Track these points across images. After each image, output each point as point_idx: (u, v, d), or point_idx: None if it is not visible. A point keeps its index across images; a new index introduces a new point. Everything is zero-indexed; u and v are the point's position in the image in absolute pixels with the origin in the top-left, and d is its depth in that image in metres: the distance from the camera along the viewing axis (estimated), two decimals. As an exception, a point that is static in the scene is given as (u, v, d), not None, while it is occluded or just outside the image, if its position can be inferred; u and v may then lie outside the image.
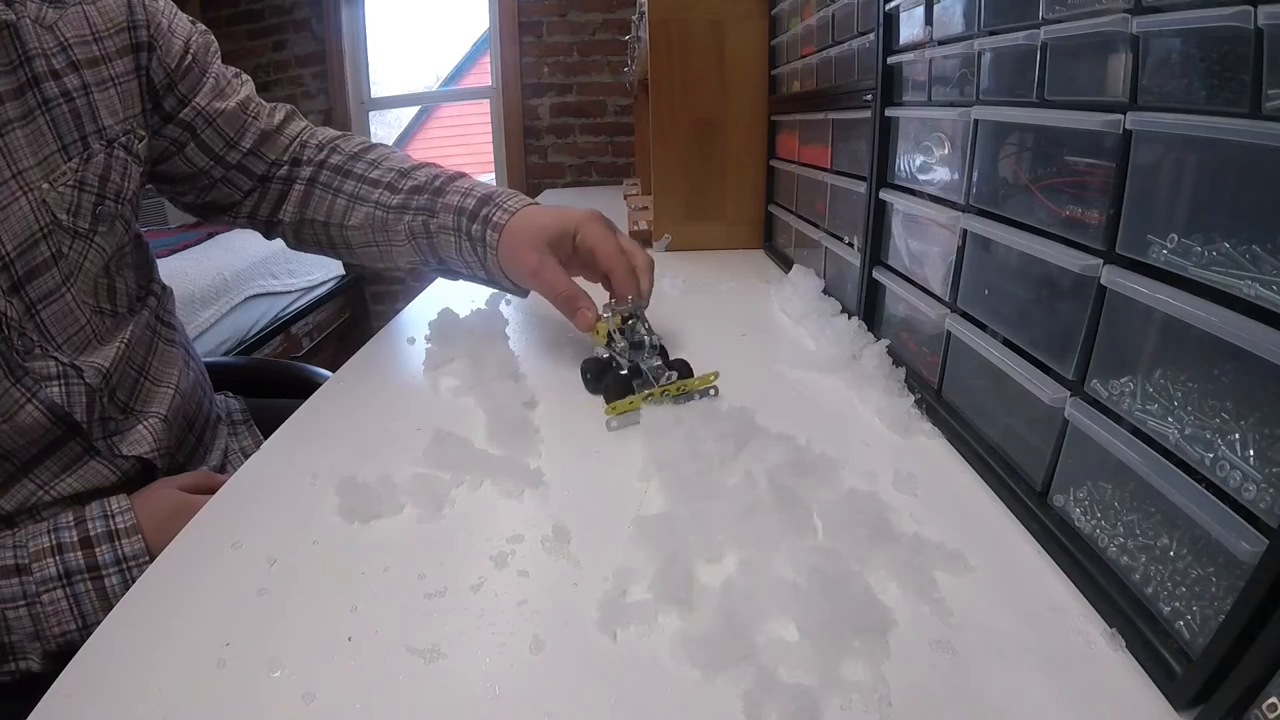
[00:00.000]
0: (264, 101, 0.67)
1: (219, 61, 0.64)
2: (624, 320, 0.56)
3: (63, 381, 0.50)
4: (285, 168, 0.66)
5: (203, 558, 0.37)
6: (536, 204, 0.61)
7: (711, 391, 0.53)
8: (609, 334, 0.55)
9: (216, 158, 0.63)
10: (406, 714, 0.27)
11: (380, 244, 0.65)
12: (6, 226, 0.47)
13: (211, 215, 0.68)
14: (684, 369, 0.53)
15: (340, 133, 0.70)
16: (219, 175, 0.64)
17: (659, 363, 0.53)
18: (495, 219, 0.59)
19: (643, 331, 0.55)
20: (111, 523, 0.49)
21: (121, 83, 0.55)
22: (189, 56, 0.60)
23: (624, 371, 0.53)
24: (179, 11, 0.62)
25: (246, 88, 0.65)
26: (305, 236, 0.68)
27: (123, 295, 0.58)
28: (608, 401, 0.50)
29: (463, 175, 0.65)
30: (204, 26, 0.64)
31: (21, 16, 0.49)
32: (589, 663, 0.29)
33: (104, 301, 0.56)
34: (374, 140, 0.71)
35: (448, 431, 0.46)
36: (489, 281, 0.64)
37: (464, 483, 0.42)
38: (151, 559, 0.48)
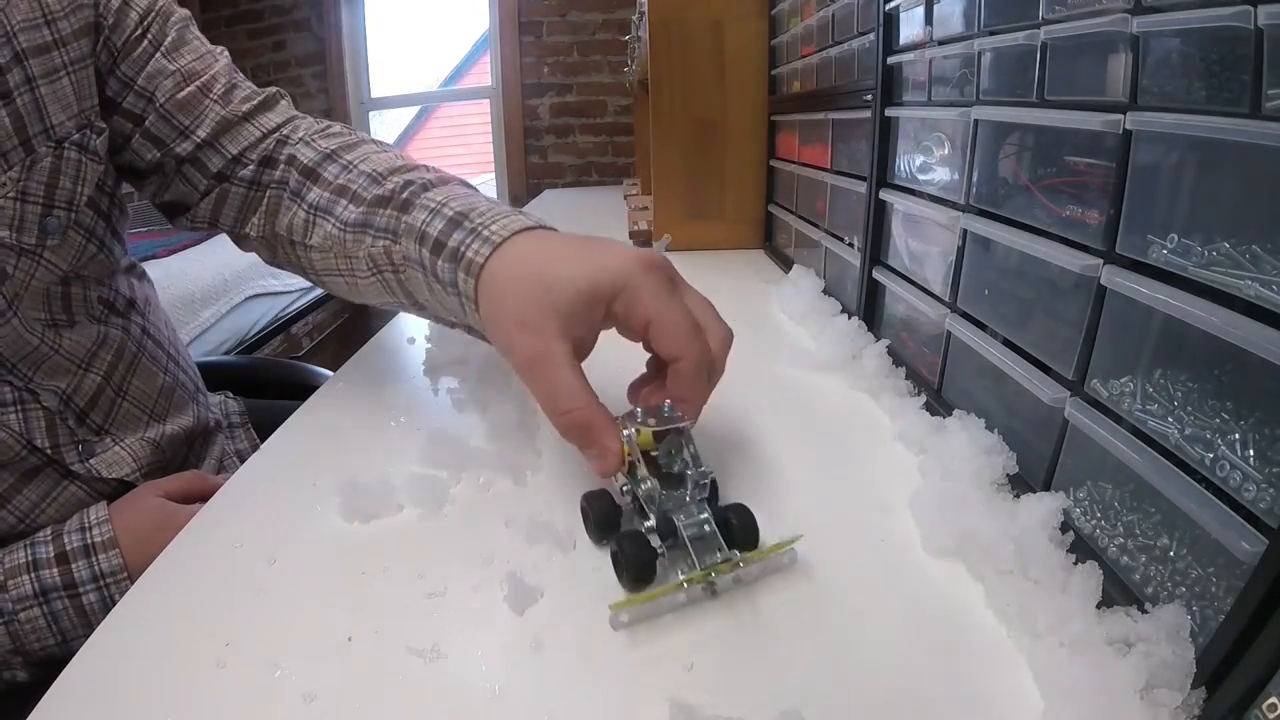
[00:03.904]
0: (242, 82, 0.54)
1: (181, 34, 0.53)
2: (657, 441, 0.36)
3: (19, 408, 0.48)
4: (250, 168, 0.52)
5: (203, 558, 0.37)
6: (540, 227, 0.41)
7: (785, 559, 0.34)
8: (630, 462, 0.35)
9: (166, 150, 0.52)
10: (406, 714, 0.27)
11: (345, 274, 0.50)
12: None
13: (174, 217, 0.56)
14: (746, 526, 0.33)
15: (327, 124, 0.55)
16: (171, 169, 0.52)
17: (705, 517, 0.33)
18: (470, 253, 0.39)
19: (686, 459, 0.35)
20: (88, 535, 0.47)
21: (77, 69, 0.48)
22: (140, 29, 0.51)
23: (648, 523, 0.33)
24: None
25: (217, 65, 0.53)
26: (280, 256, 0.55)
27: (79, 303, 0.53)
28: (623, 582, 0.33)
29: (448, 181, 0.47)
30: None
31: None
32: (589, 662, 0.29)
33: (58, 313, 0.51)
34: (371, 138, 0.55)
35: (447, 431, 0.46)
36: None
37: (463, 482, 0.42)
38: (130, 575, 0.47)
